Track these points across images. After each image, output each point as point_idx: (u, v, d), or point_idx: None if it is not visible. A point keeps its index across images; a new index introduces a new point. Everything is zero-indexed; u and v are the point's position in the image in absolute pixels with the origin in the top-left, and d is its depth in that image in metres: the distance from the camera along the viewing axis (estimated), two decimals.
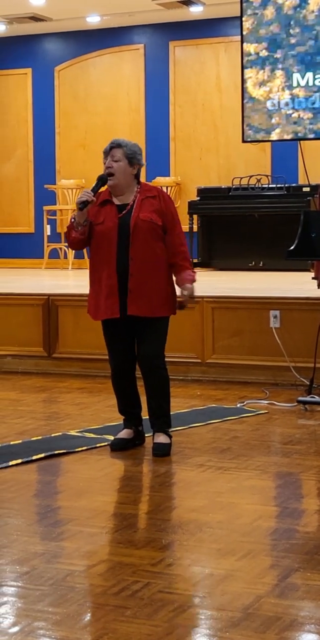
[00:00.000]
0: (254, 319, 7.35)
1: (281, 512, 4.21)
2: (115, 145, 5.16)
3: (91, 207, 5.15)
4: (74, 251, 11.98)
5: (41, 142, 13.15)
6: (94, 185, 5.18)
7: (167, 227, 5.15)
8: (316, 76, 8.90)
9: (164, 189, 10.12)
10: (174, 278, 5.23)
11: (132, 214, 5.11)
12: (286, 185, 11.01)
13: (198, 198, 11.39)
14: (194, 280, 5.21)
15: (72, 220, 5.17)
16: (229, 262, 11.18)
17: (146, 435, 5.38)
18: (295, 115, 9.12)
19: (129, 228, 5.08)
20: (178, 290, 5.24)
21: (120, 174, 5.13)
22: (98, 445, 5.38)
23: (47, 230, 12.64)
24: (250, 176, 11.29)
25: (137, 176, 5.22)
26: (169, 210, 5.19)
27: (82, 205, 5.07)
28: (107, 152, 5.18)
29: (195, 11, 11.83)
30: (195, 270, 5.29)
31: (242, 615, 3.08)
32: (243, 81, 9.34)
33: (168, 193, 10.11)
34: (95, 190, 5.15)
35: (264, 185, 11.19)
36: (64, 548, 3.76)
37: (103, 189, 5.23)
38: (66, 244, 12.16)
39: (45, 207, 12.57)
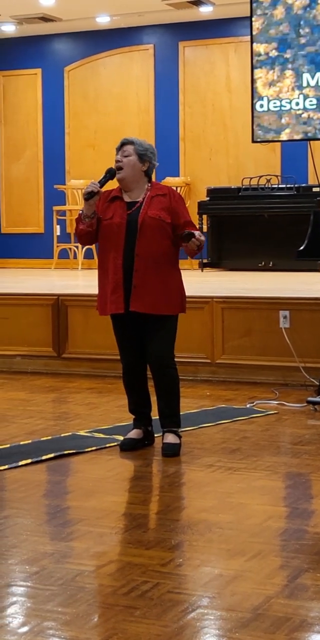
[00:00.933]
0: (263, 319, 7.34)
1: (291, 513, 4.21)
2: (127, 142, 5.18)
3: (100, 202, 5.15)
4: (83, 249, 12.00)
5: (51, 143, 13.17)
6: (102, 177, 5.18)
7: (176, 224, 5.14)
8: None
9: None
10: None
11: (141, 211, 5.11)
12: (296, 185, 10.99)
13: (208, 198, 11.39)
14: (201, 236, 5.03)
15: (80, 212, 5.18)
16: (239, 262, 11.17)
17: (155, 435, 5.38)
18: (305, 115, 9.11)
19: (136, 225, 5.09)
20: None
21: (129, 169, 5.13)
22: (107, 445, 5.39)
23: (57, 230, 12.65)
24: (260, 176, 11.28)
25: (148, 174, 5.21)
26: (178, 208, 5.18)
27: (88, 195, 5.08)
28: (119, 149, 5.19)
29: (205, 11, 11.83)
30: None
31: (251, 615, 3.07)
32: (253, 81, 9.33)
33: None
34: (102, 182, 5.15)
35: (273, 186, 11.18)
36: (74, 548, 3.76)
37: (112, 184, 5.23)
38: (75, 244, 12.23)
39: (55, 207, 12.58)
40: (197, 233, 5.03)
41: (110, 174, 5.18)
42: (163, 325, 5.16)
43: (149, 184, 5.22)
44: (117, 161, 5.17)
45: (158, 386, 5.23)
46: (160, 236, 5.11)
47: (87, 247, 12.14)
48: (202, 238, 5.05)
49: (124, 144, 5.19)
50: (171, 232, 5.13)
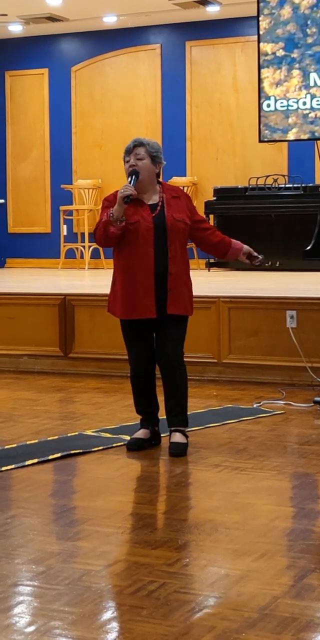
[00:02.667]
0: (270, 319, 7.33)
1: (298, 513, 4.20)
2: (138, 144, 5.16)
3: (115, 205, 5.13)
4: (90, 250, 12.01)
5: (58, 142, 13.18)
6: (131, 180, 5.11)
7: (194, 222, 5.25)
8: None
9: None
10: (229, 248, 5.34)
11: (166, 214, 5.13)
12: (303, 185, 10.98)
13: (215, 198, 11.39)
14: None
15: (111, 215, 5.05)
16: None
17: (162, 435, 5.38)
18: (312, 114, 9.09)
19: (165, 228, 5.11)
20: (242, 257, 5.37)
21: (146, 172, 5.13)
22: (114, 445, 5.39)
23: (64, 230, 12.66)
24: (267, 176, 11.27)
25: (158, 175, 5.23)
26: (192, 207, 5.31)
27: (128, 199, 5.01)
28: (130, 151, 5.16)
29: (212, 11, 11.82)
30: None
31: (258, 616, 3.07)
32: (260, 81, 9.33)
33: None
34: (134, 185, 5.12)
35: (280, 185, 11.17)
36: (80, 548, 3.76)
37: (113, 188, 5.23)
38: (82, 244, 12.23)
39: (62, 207, 12.59)
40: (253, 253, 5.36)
41: (136, 175, 5.14)
42: (178, 326, 5.20)
43: (160, 185, 5.23)
44: (131, 165, 5.14)
45: (168, 385, 5.23)
46: (184, 239, 5.22)
47: (93, 246, 12.16)
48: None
49: (135, 145, 5.16)
50: (188, 232, 5.24)
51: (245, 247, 5.36)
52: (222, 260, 11.33)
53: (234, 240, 5.34)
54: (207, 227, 5.35)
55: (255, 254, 5.35)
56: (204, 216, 5.39)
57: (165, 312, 5.12)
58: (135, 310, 5.13)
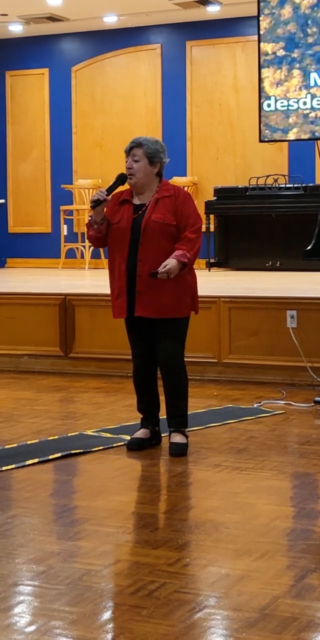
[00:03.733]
0: (270, 319, 7.33)
1: (298, 513, 4.20)
2: (135, 145, 5.13)
3: (111, 204, 5.14)
4: (90, 249, 12.01)
5: (58, 142, 13.18)
6: (111, 183, 5.17)
7: (181, 225, 5.09)
8: None
9: None
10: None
11: (145, 215, 5.10)
12: (303, 185, 10.98)
13: (215, 198, 11.38)
14: (180, 258, 4.97)
15: (90, 217, 5.19)
16: (246, 262, 11.16)
17: (162, 435, 5.38)
18: (312, 114, 9.09)
19: (140, 229, 5.08)
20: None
21: (141, 174, 5.11)
22: (114, 445, 5.39)
23: (64, 230, 12.66)
24: (267, 176, 11.27)
25: (159, 174, 5.20)
26: (183, 208, 5.10)
27: (94, 204, 5.10)
28: (128, 152, 5.16)
29: (212, 11, 11.82)
30: (188, 254, 5.01)
31: (258, 615, 3.07)
32: (260, 81, 9.33)
33: None
34: (111, 188, 5.14)
35: (281, 185, 11.17)
36: (81, 547, 3.76)
37: (122, 188, 5.23)
38: (82, 244, 12.24)
39: (62, 207, 12.59)
40: (161, 266, 4.95)
41: (120, 180, 5.16)
42: (172, 327, 5.17)
43: (159, 185, 5.20)
44: (127, 168, 5.14)
45: (167, 386, 5.24)
46: (164, 240, 5.07)
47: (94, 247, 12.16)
48: (167, 268, 4.94)
49: (132, 147, 5.15)
50: (177, 233, 5.09)
51: (169, 264, 4.95)
52: (223, 260, 11.35)
53: (176, 253, 4.99)
54: (183, 235, 5.07)
55: (158, 275, 4.99)
56: (192, 218, 5.14)
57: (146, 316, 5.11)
58: (114, 310, 5.21)
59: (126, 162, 5.17)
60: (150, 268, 5.02)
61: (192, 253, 5.04)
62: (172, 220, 5.07)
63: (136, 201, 5.17)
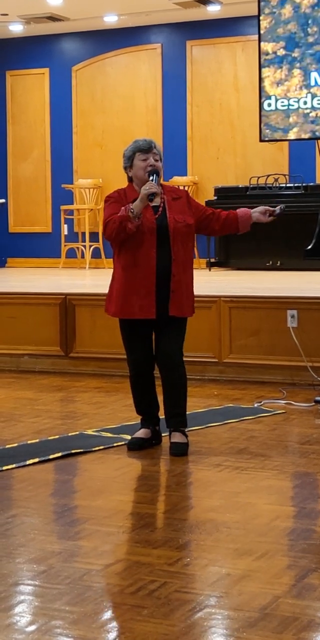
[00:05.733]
0: (271, 319, 7.33)
1: (298, 512, 4.20)
2: (154, 145, 5.22)
3: (122, 204, 5.10)
4: (91, 250, 12.01)
5: (58, 142, 13.18)
6: (153, 178, 5.10)
7: (200, 217, 5.26)
8: None
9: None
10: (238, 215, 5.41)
11: (168, 216, 5.14)
12: (304, 184, 10.98)
13: (215, 197, 11.38)
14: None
15: (131, 211, 5.01)
16: (246, 261, 11.16)
17: (163, 434, 5.38)
18: (313, 114, 9.09)
19: (167, 229, 5.11)
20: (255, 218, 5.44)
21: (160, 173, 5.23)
22: (115, 444, 5.39)
23: (65, 229, 12.66)
24: (268, 175, 11.27)
25: None
26: (195, 204, 5.33)
27: (152, 196, 5.04)
28: (148, 150, 5.16)
29: (213, 10, 11.82)
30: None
31: (259, 615, 3.07)
32: (260, 80, 9.33)
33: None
34: (157, 183, 5.13)
35: (281, 185, 11.17)
36: (81, 547, 3.77)
37: (118, 184, 5.24)
38: (83, 244, 12.23)
39: (63, 207, 12.59)
40: (266, 214, 5.42)
41: (157, 175, 5.17)
42: (177, 326, 5.20)
43: (161, 187, 5.23)
44: (151, 165, 5.15)
45: (166, 385, 5.24)
46: (187, 240, 5.21)
47: (94, 246, 12.17)
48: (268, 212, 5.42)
49: (152, 146, 5.19)
50: (194, 232, 5.26)
51: (254, 213, 5.35)
52: (223, 260, 11.34)
53: (239, 211, 5.36)
54: (209, 214, 5.32)
55: (270, 209, 5.32)
56: (205, 205, 5.35)
57: (166, 314, 5.12)
58: (134, 310, 5.13)
59: (143, 159, 5.14)
60: (181, 268, 5.14)
61: None
62: (191, 220, 5.21)
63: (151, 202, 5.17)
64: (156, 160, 5.17)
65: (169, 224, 5.12)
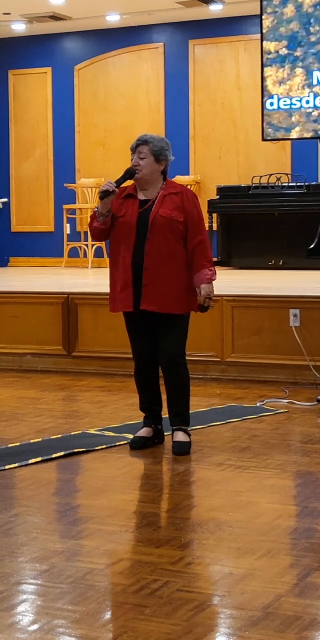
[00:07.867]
0: (274, 318, 7.33)
1: (301, 512, 4.20)
2: (142, 142, 5.16)
3: (115, 199, 5.14)
4: (93, 248, 12.02)
5: (61, 141, 13.18)
6: (120, 177, 5.15)
7: (188, 225, 5.13)
8: None
9: None
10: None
11: (153, 210, 5.12)
12: (306, 183, 10.97)
13: (218, 197, 11.38)
14: (210, 280, 5.14)
15: (95, 210, 5.19)
16: (249, 261, 11.15)
17: (165, 434, 5.38)
18: (315, 113, 9.09)
19: (147, 223, 5.09)
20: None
21: (147, 171, 5.13)
22: (117, 443, 5.39)
23: (67, 229, 12.66)
24: (270, 175, 11.26)
25: (164, 172, 5.21)
26: (191, 207, 5.16)
27: (103, 195, 5.08)
28: (134, 150, 5.17)
29: (215, 10, 11.81)
30: (213, 269, 5.17)
31: (261, 614, 3.07)
32: (263, 79, 9.33)
33: None
34: (120, 182, 5.14)
35: (284, 184, 11.16)
36: (84, 546, 3.77)
37: (129, 183, 5.23)
38: (86, 243, 12.24)
39: (65, 206, 12.59)
40: (201, 299, 5.11)
41: (129, 175, 5.17)
42: (175, 324, 5.17)
43: (164, 183, 5.21)
44: (134, 165, 5.15)
45: (169, 384, 5.24)
46: (171, 235, 5.10)
47: (97, 245, 12.16)
48: (205, 296, 5.10)
49: (139, 144, 5.17)
50: (184, 230, 5.12)
51: (204, 290, 5.09)
52: (226, 259, 11.34)
53: (203, 272, 5.10)
54: (194, 242, 5.13)
55: (205, 304, 5.12)
56: (200, 223, 5.21)
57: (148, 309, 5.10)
58: (117, 303, 5.20)
59: (132, 160, 5.17)
60: (156, 261, 5.07)
61: (211, 260, 5.20)
62: (180, 217, 5.11)
63: (141, 197, 5.18)
64: (142, 159, 5.14)
65: (150, 217, 5.10)
